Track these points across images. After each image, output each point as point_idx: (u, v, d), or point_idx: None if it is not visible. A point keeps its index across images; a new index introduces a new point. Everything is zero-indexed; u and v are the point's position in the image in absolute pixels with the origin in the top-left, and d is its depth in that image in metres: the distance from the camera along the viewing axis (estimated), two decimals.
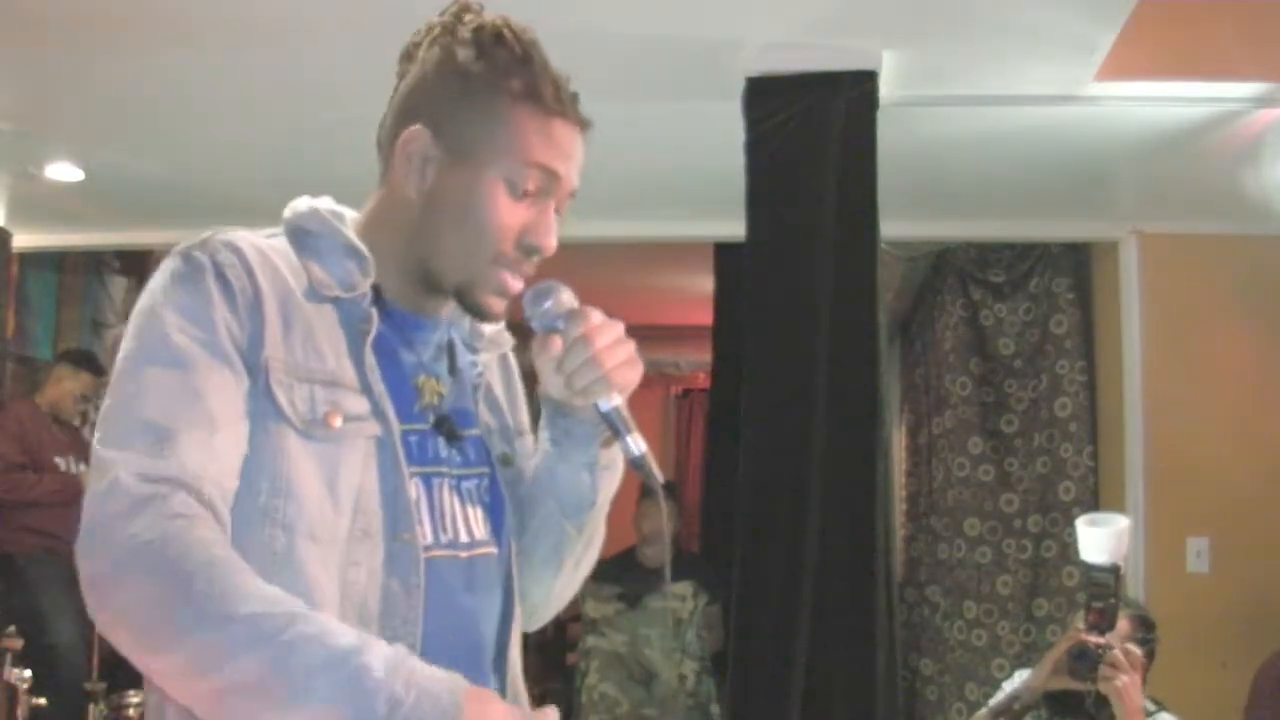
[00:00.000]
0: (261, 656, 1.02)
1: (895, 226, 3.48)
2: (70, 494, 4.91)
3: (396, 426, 1.23)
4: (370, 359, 1.24)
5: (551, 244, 1.27)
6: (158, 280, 1.20)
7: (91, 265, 6.00)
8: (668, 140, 3.80)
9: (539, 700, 1.25)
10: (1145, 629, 2.65)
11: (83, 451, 5.16)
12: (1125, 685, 2.41)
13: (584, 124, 1.28)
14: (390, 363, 1.27)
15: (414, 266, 1.28)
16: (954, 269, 5.00)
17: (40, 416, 5.04)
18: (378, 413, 1.22)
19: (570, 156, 1.27)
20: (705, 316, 5.73)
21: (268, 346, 1.18)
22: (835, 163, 3.07)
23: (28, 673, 3.19)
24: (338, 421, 1.19)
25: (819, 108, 3.08)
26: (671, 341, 7.60)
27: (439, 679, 1.04)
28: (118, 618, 1.08)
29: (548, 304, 1.27)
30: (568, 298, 1.28)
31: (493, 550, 1.32)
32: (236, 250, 1.20)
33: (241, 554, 1.09)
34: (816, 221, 3.07)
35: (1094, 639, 2.44)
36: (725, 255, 5.28)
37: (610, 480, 1.39)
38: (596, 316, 1.26)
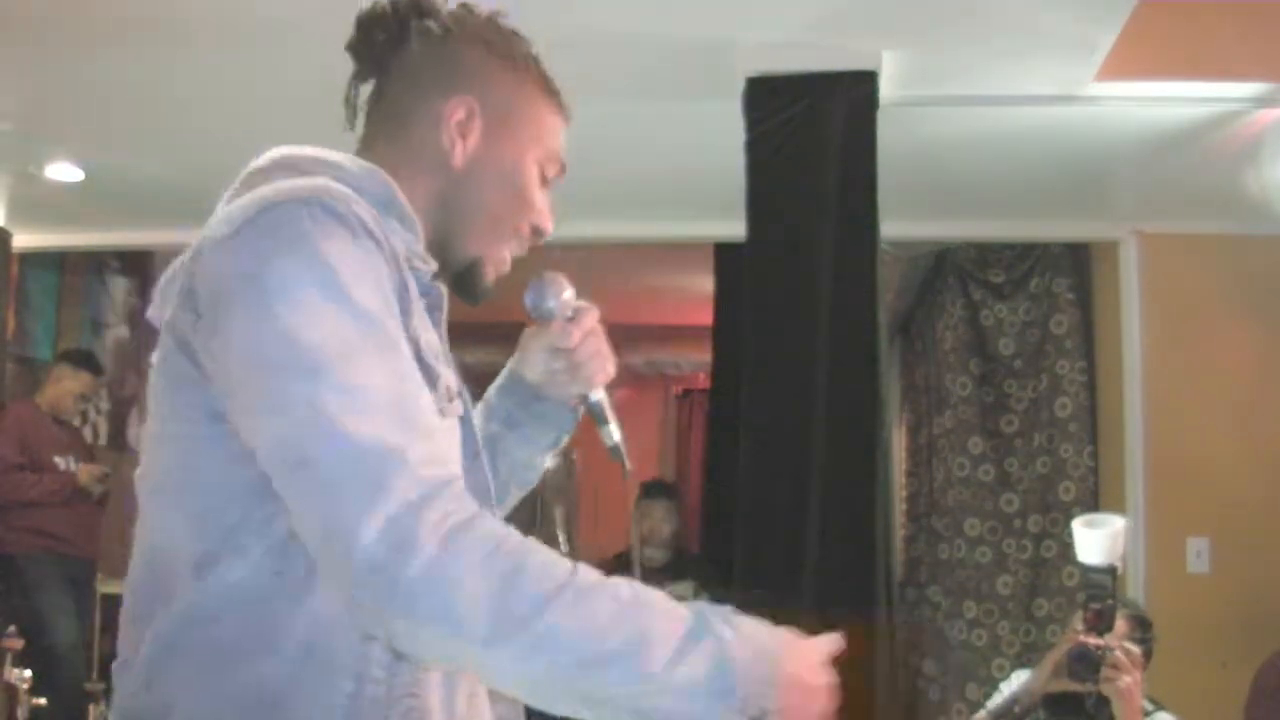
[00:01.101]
0: (629, 627, 0.98)
1: (895, 226, 3.47)
2: (70, 493, 4.91)
3: (471, 404, 1.23)
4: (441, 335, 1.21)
5: (552, 228, 1.31)
6: (293, 235, 1.03)
7: (92, 265, 6.00)
8: (668, 140, 3.80)
9: None
10: (1142, 629, 2.65)
11: (83, 451, 5.16)
12: (1129, 686, 2.40)
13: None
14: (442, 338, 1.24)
15: (432, 237, 1.22)
16: (954, 269, 5.00)
17: (40, 416, 5.03)
18: (459, 390, 1.20)
19: None
20: (705, 316, 5.71)
21: (414, 314, 1.11)
22: (835, 163, 3.07)
23: (28, 673, 3.20)
24: (452, 399, 1.16)
25: (819, 108, 3.09)
26: (671, 341, 7.58)
27: (763, 636, 1.02)
28: (441, 607, 0.95)
29: (552, 302, 1.31)
30: (571, 295, 1.32)
31: None
32: (361, 203, 1.10)
33: None
34: (816, 221, 3.07)
35: (1093, 640, 2.43)
36: (725, 255, 5.27)
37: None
38: (595, 312, 1.33)
